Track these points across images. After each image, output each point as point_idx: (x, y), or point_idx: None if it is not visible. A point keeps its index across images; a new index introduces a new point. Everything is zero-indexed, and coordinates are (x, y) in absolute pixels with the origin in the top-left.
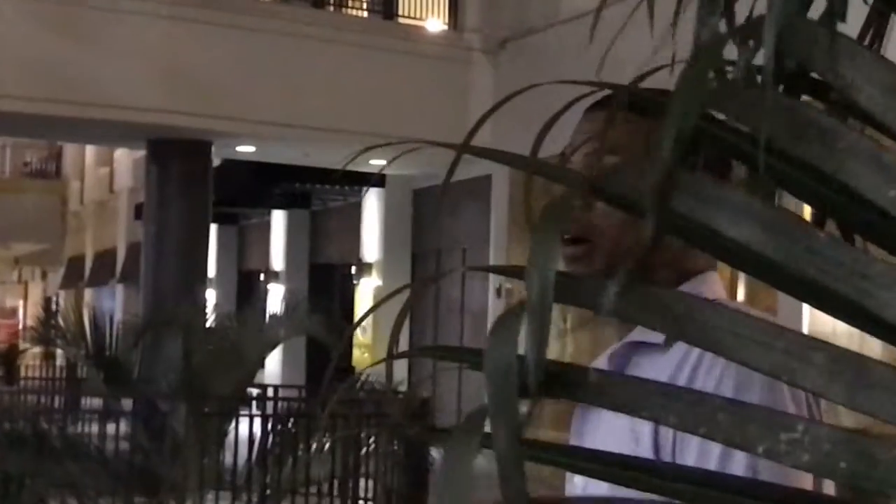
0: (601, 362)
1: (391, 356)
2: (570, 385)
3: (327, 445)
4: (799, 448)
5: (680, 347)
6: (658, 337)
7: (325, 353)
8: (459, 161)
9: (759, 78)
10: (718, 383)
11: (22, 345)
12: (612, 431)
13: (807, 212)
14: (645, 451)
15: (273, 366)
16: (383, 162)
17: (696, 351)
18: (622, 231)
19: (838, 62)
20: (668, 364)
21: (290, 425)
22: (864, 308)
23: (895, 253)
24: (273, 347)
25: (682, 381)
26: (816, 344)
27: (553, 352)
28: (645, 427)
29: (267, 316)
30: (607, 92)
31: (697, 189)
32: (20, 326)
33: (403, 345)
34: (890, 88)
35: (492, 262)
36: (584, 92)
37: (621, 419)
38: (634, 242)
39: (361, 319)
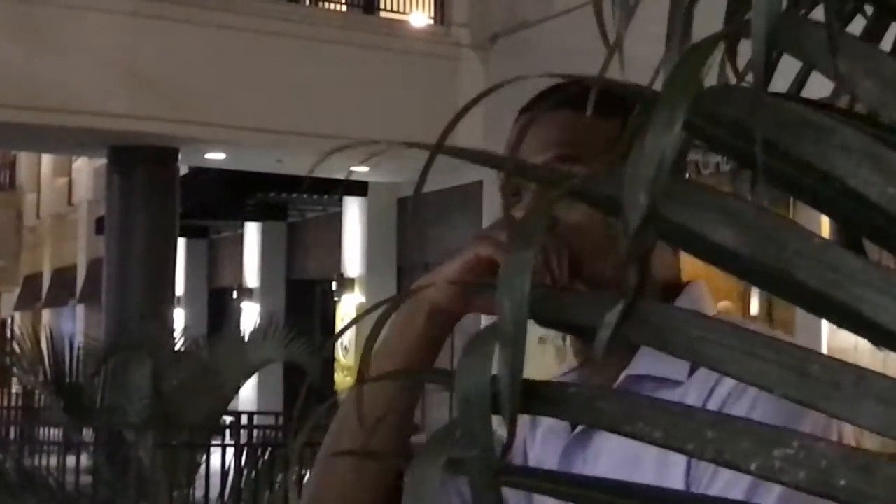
0: None
1: (361, 381)
2: (550, 401)
3: (306, 477)
4: (793, 464)
5: (699, 381)
6: (675, 370)
7: (305, 377)
8: (432, 164)
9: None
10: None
11: None
12: (623, 464)
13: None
14: (676, 483)
15: (248, 391)
16: (364, 168)
17: (725, 384)
18: (602, 239)
19: (835, 56)
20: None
21: (265, 456)
22: (860, 313)
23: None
24: (249, 375)
25: None
26: (810, 354)
27: (552, 371)
28: (677, 457)
29: (241, 338)
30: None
31: (684, 193)
32: None
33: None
34: (889, 82)
35: None
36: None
37: (635, 449)
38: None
39: (334, 340)
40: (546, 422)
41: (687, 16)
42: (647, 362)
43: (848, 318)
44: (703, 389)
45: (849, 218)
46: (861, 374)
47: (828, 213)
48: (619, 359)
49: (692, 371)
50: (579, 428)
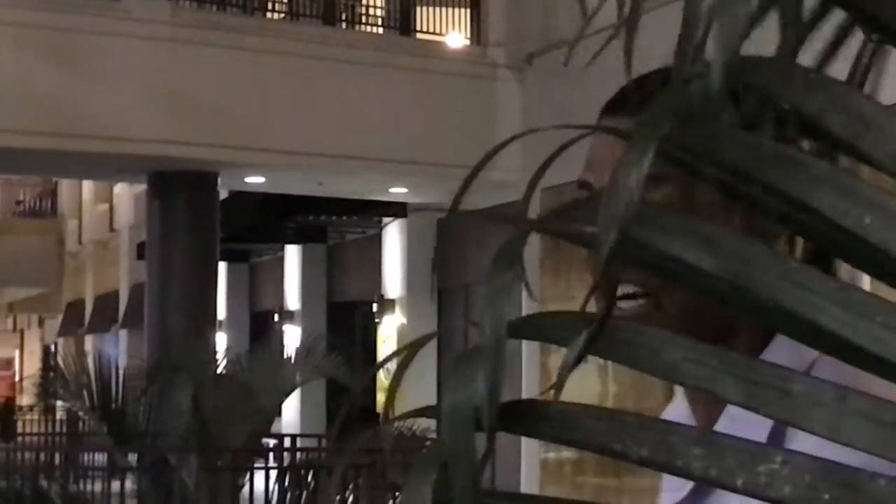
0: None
1: (387, 419)
2: (531, 419)
3: (350, 499)
4: (778, 480)
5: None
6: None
7: (347, 399)
8: (461, 199)
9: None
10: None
11: (19, 399)
12: None
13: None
14: None
15: (291, 414)
16: (404, 190)
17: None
18: None
19: (806, 91)
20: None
21: (308, 478)
22: (843, 338)
23: (879, 278)
24: (289, 393)
25: None
26: (792, 374)
27: (593, 391)
28: None
29: (282, 357)
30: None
31: (661, 221)
32: (16, 378)
33: (432, 386)
34: (860, 116)
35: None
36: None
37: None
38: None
39: (381, 365)
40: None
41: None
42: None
43: (826, 340)
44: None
45: (834, 246)
46: (843, 393)
47: (814, 242)
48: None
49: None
50: (690, 485)
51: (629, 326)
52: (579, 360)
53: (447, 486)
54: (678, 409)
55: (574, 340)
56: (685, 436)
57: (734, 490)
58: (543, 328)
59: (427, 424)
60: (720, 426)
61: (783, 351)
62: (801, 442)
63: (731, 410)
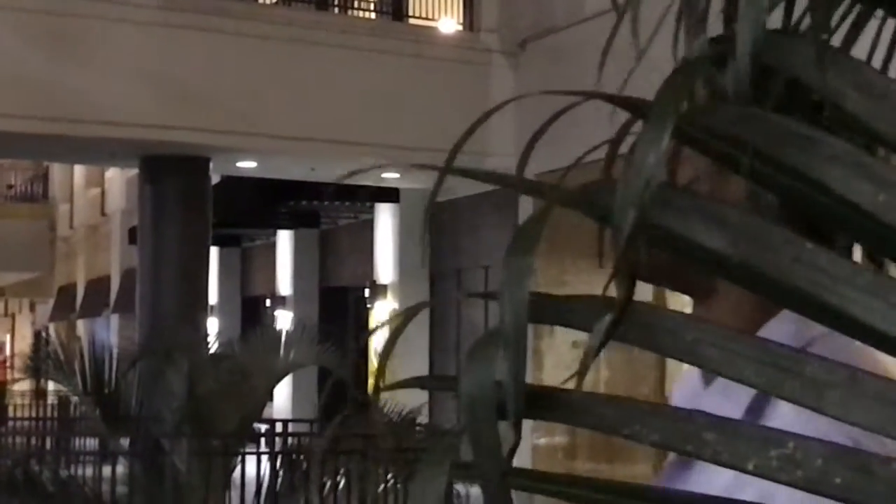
0: (676, 395)
1: (378, 389)
2: (552, 406)
3: (342, 484)
4: (791, 464)
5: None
6: None
7: (338, 385)
8: (441, 184)
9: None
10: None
11: (11, 378)
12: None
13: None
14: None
15: (282, 400)
16: (395, 175)
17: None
18: None
19: (824, 71)
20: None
21: (300, 463)
22: (854, 317)
23: (892, 258)
24: (281, 377)
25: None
26: (804, 356)
27: (588, 377)
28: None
29: (274, 340)
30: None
31: (676, 201)
32: (7, 364)
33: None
34: (877, 94)
35: None
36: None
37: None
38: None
39: (372, 332)
40: None
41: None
42: None
43: (839, 320)
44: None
45: (843, 224)
46: (854, 374)
47: (822, 220)
48: None
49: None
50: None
51: (646, 309)
52: (603, 344)
53: (464, 475)
54: (688, 380)
55: (597, 325)
56: (698, 422)
57: (745, 472)
58: (565, 312)
59: (418, 405)
60: (714, 387)
61: (786, 325)
62: (782, 413)
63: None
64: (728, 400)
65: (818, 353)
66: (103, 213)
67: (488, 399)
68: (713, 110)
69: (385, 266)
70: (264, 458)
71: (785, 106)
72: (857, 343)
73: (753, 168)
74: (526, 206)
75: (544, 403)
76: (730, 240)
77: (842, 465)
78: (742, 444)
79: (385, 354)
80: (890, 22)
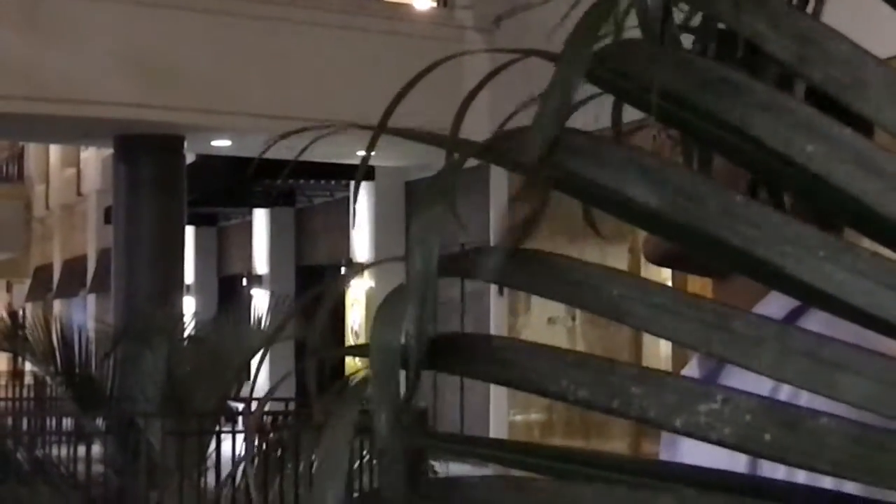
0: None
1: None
2: (464, 356)
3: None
4: (719, 420)
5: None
6: None
7: (311, 354)
8: (375, 145)
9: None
10: None
11: None
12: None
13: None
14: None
15: (260, 379)
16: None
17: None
18: None
19: (744, 12)
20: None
21: (277, 441)
22: (786, 273)
23: (821, 209)
24: (256, 354)
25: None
26: (733, 312)
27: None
28: None
29: (250, 319)
30: None
31: (600, 151)
32: None
33: None
34: (803, 37)
35: None
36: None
37: None
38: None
39: (346, 282)
40: None
41: None
42: None
43: (770, 275)
44: None
45: (771, 175)
46: (784, 330)
47: (751, 171)
48: None
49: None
50: None
51: (562, 260)
52: (500, 287)
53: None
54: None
55: (486, 259)
56: (625, 375)
57: (673, 431)
58: (468, 262)
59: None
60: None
61: (784, 297)
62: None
63: None
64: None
65: (814, 322)
66: (79, 194)
67: (392, 350)
68: (626, 50)
69: (361, 244)
70: (239, 436)
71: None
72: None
73: (667, 112)
74: (499, 183)
75: (460, 354)
76: (656, 191)
77: (771, 421)
78: (669, 399)
79: (316, 327)
80: None
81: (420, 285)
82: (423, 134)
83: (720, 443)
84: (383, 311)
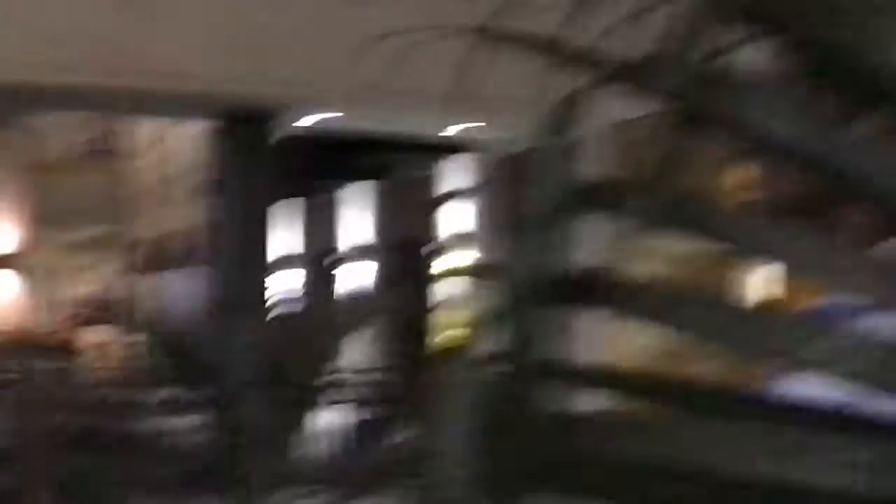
0: None
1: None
2: (600, 291)
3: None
4: (848, 355)
5: None
6: None
7: (405, 337)
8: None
9: None
10: None
11: (84, 332)
12: None
13: None
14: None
15: (353, 352)
16: (463, 126)
17: None
18: None
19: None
20: None
21: (376, 412)
22: None
23: None
24: (351, 330)
25: None
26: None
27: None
28: None
29: (343, 296)
30: None
31: (734, 82)
32: (78, 317)
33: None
34: None
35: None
36: None
37: None
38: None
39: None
40: None
41: None
42: None
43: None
44: None
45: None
46: None
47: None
48: None
49: None
50: None
51: (696, 202)
52: (647, 228)
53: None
54: None
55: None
56: (728, 312)
57: (801, 367)
58: (610, 197)
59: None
60: None
61: None
62: None
63: None
64: None
65: None
66: (173, 169)
67: (528, 280)
68: None
69: (456, 219)
70: (342, 407)
71: None
72: None
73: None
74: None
75: (593, 288)
76: (787, 121)
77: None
78: (798, 332)
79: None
80: None
81: (549, 217)
82: (554, 45)
83: (849, 377)
84: (517, 242)
